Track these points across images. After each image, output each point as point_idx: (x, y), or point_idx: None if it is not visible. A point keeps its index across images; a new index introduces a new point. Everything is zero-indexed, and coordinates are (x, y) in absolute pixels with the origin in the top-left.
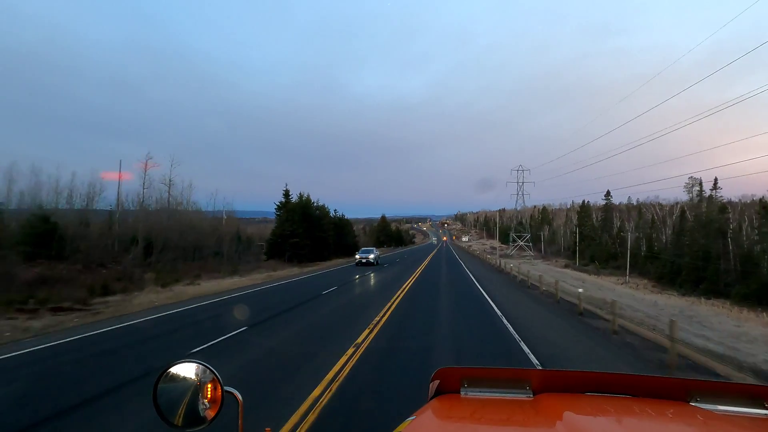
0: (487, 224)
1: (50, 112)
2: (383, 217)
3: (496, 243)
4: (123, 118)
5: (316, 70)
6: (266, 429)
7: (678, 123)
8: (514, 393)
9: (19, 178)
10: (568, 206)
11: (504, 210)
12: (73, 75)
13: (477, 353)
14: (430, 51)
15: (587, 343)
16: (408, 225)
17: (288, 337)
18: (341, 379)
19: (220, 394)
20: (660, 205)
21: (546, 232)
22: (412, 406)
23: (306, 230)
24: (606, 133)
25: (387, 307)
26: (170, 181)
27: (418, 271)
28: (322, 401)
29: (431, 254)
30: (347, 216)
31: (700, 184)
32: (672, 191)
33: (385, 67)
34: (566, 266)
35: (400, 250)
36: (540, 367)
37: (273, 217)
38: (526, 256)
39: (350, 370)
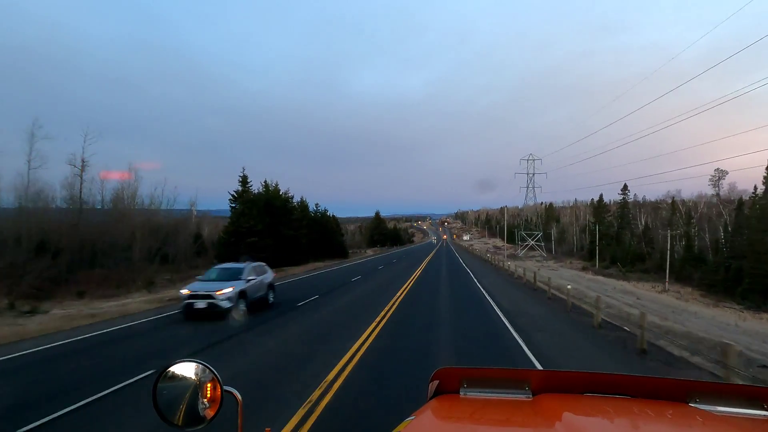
0: (488, 222)
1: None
2: (377, 215)
3: (499, 242)
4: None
5: (316, 68)
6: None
7: (702, 107)
8: (513, 393)
9: None
10: (571, 204)
11: (506, 207)
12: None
13: None
14: (430, 49)
15: None
16: (408, 224)
17: None
18: None
19: (219, 393)
20: (682, 201)
21: (554, 231)
22: None
23: (268, 227)
24: (615, 122)
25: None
26: (83, 162)
27: (403, 290)
28: None
29: (429, 257)
30: (347, 215)
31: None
32: (694, 185)
33: (385, 65)
34: (584, 269)
35: (396, 250)
36: None
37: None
38: (536, 257)
39: None
